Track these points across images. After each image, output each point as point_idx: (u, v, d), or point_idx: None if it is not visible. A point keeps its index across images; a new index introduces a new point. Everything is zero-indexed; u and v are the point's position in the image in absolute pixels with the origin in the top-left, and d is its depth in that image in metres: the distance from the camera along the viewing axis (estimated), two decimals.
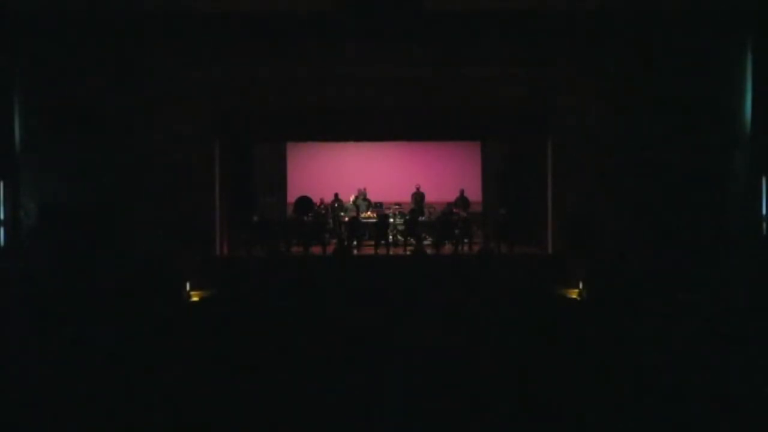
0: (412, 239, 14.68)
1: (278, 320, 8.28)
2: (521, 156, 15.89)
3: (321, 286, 11.09)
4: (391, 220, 15.29)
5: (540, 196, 14.37)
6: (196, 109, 13.34)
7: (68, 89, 12.97)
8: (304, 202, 15.35)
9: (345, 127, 15.04)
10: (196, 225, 13.22)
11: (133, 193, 13.13)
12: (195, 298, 11.57)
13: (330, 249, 14.12)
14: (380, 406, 5.67)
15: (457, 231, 14.92)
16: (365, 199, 16.12)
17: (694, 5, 12.55)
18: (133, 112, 13.20)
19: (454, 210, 15.47)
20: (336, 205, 15.89)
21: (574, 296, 11.56)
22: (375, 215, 15.42)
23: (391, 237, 15.00)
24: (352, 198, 16.11)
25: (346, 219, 15.48)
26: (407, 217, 15.11)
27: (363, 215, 15.64)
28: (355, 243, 14.81)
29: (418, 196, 16.20)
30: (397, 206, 15.78)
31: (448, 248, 14.79)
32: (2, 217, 12.47)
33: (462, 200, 15.85)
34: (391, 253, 14.54)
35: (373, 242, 14.72)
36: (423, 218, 15.43)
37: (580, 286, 11.67)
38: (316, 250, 14.39)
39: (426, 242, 14.94)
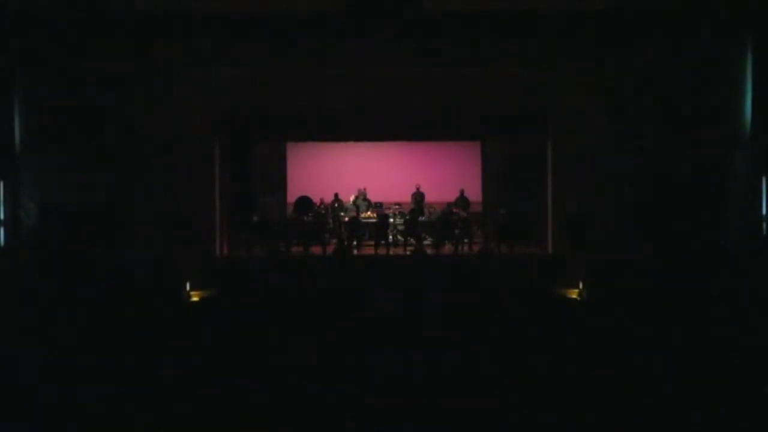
0: (412, 239, 14.68)
1: (278, 320, 8.28)
2: (521, 156, 15.88)
3: (321, 286, 11.09)
4: (391, 220, 15.29)
5: (540, 196, 14.37)
6: (196, 109, 13.33)
7: (68, 89, 12.95)
8: (304, 202, 15.35)
9: (345, 127, 15.05)
10: (196, 225, 13.21)
11: (133, 193, 13.12)
12: (195, 298, 11.58)
13: (330, 249, 14.12)
14: (380, 406, 5.67)
15: (457, 231, 14.92)
16: (365, 199, 16.12)
17: (694, 5, 12.54)
18: (133, 112, 13.19)
19: (454, 210, 15.46)
20: (336, 205, 15.89)
21: (574, 296, 11.56)
22: (375, 215, 15.41)
23: (391, 237, 14.99)
24: (352, 198, 16.11)
25: (346, 219, 15.47)
26: (407, 217, 15.11)
27: (363, 215, 15.64)
28: (355, 243, 14.81)
29: (418, 196, 16.20)
30: (397, 206, 15.77)
31: (448, 248, 14.78)
32: (2, 217, 12.45)
33: (462, 200, 15.85)
34: (391, 253, 14.53)
35: (373, 242, 14.71)
36: (423, 218, 15.43)
37: (580, 286, 11.67)
38: (316, 250, 14.39)
39: (426, 242, 14.94)
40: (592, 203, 13.19)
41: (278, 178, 17.02)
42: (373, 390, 5.95)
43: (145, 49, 13.04)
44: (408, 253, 14.26)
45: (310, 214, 15.22)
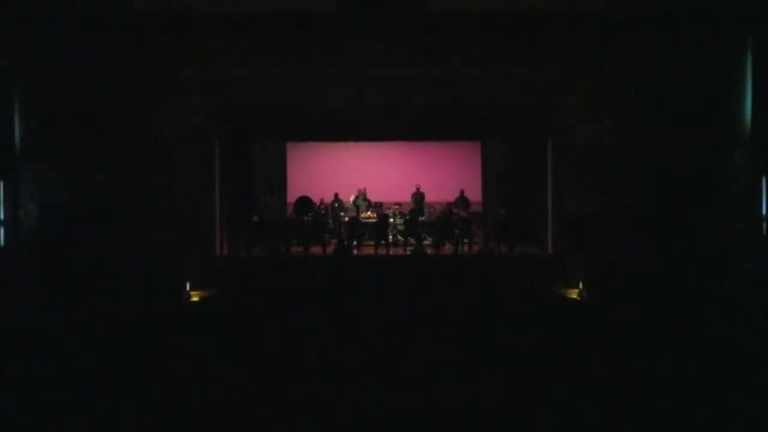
0: (412, 239, 14.68)
1: (278, 320, 8.28)
2: (521, 156, 15.88)
3: (321, 286, 11.09)
4: (391, 220, 15.29)
5: (540, 196, 14.37)
6: (196, 109, 13.33)
7: (68, 89, 12.97)
8: (304, 202, 15.35)
9: (345, 127, 15.05)
10: (196, 225, 13.21)
11: (133, 193, 13.12)
12: (195, 298, 11.57)
13: (330, 249, 14.12)
14: (380, 406, 5.67)
15: (457, 231, 14.91)
16: (365, 199, 16.12)
17: (694, 5, 12.54)
18: (133, 111, 13.20)
19: (454, 210, 15.46)
20: (336, 205, 15.89)
21: (574, 296, 11.56)
22: (375, 215, 15.41)
23: (391, 237, 14.99)
24: (352, 198, 16.11)
25: (346, 219, 15.47)
26: (407, 217, 15.11)
27: (363, 215, 15.64)
28: (355, 243, 14.81)
29: (418, 196, 16.20)
30: (397, 206, 15.77)
31: (448, 248, 14.78)
32: (2, 217, 12.47)
33: (462, 200, 15.85)
34: (391, 253, 14.53)
35: (373, 242, 14.71)
36: (423, 218, 15.43)
37: (580, 286, 11.67)
38: (316, 250, 14.39)
39: (426, 242, 14.94)
40: (592, 203, 13.19)
41: (278, 178, 17.02)
42: (373, 390, 5.95)
43: (145, 49, 13.04)
44: (408, 253, 14.26)
45: (310, 214, 15.22)
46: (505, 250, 14.04)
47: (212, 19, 12.86)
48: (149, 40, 13.00)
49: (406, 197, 16.21)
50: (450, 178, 16.64)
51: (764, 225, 12.15)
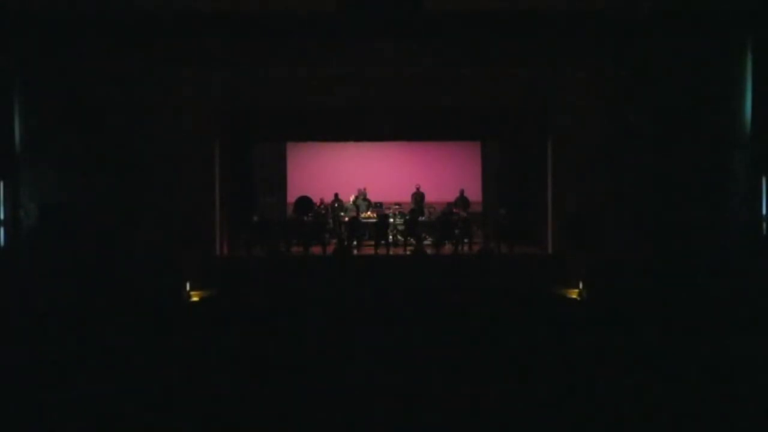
0: (412, 239, 14.68)
1: (278, 320, 8.28)
2: (521, 156, 15.88)
3: (321, 286, 11.09)
4: (391, 220, 15.29)
5: (540, 196, 14.37)
6: (196, 109, 13.33)
7: (68, 89, 12.96)
8: (304, 202, 15.35)
9: (345, 127, 15.05)
10: (196, 225, 13.21)
11: (133, 193, 13.12)
12: (195, 298, 11.57)
13: (330, 249, 14.12)
14: (380, 406, 5.67)
15: (457, 231, 14.91)
16: (365, 199, 16.12)
17: (694, 5, 12.54)
18: (132, 112, 13.19)
19: (454, 210, 15.46)
20: (336, 205, 15.89)
21: (574, 296, 11.56)
22: (375, 215, 15.41)
23: (391, 237, 14.99)
24: (352, 198, 16.11)
25: (346, 219, 15.47)
26: (407, 217, 15.11)
27: (363, 215, 15.64)
28: (355, 243, 14.81)
29: (418, 196, 16.20)
30: (397, 206, 15.77)
31: (448, 248, 14.78)
32: (2, 217, 12.46)
33: (462, 200, 15.85)
34: (391, 253, 14.53)
35: (373, 242, 14.71)
36: (423, 218, 15.43)
37: (580, 286, 11.67)
38: (316, 250, 14.38)
39: (426, 242, 14.94)
40: (592, 203, 13.19)
41: (278, 178, 17.01)
42: (373, 390, 5.95)
43: (145, 49, 13.04)
44: (408, 253, 14.26)
45: (310, 214, 15.22)
46: (505, 250, 14.04)
47: (212, 19, 12.85)
48: (149, 40, 12.99)
49: (406, 197, 16.21)
50: (450, 178, 16.64)
51: (764, 225, 12.15)
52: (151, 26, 12.85)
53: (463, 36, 13.14)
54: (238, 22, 12.91)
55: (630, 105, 13.14)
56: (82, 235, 12.36)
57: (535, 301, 10.06)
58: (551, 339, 7.48)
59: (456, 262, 13.85)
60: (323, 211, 15.56)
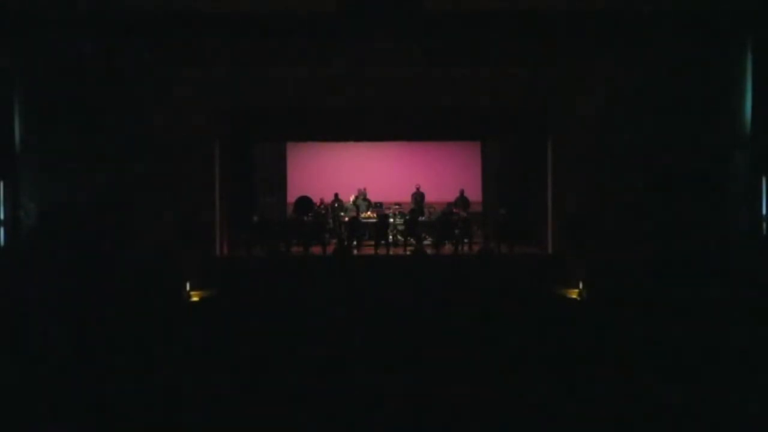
0: (412, 239, 14.68)
1: (278, 320, 8.28)
2: (521, 156, 15.88)
3: (321, 286, 11.09)
4: (391, 220, 15.29)
5: (540, 196, 14.37)
6: (196, 109, 13.33)
7: (68, 89, 12.95)
8: (304, 202, 15.35)
9: (345, 127, 15.05)
10: (196, 225, 13.21)
11: (133, 193, 13.12)
12: (195, 298, 11.57)
13: (330, 249, 14.12)
14: (381, 407, 5.67)
15: (457, 231, 14.92)
16: (365, 199, 16.12)
17: (694, 5, 12.53)
18: (132, 112, 13.19)
19: (454, 210, 15.46)
20: (336, 205, 15.89)
21: (574, 296, 11.56)
22: (375, 215, 15.42)
23: (391, 237, 14.99)
24: (352, 198, 16.11)
25: (346, 219, 15.47)
26: (407, 217, 15.11)
27: (363, 215, 15.64)
28: (355, 243, 14.81)
29: (418, 196, 16.20)
30: (397, 206, 15.77)
31: (448, 248, 14.78)
32: (2, 217, 12.45)
33: (462, 200, 15.85)
34: (391, 253, 14.53)
35: (373, 242, 14.72)
36: (423, 218, 15.43)
37: (580, 286, 11.67)
38: (316, 250, 14.38)
39: (426, 242, 14.94)
40: (592, 203, 13.19)
41: (278, 178, 17.02)
42: (373, 390, 5.95)
43: (145, 49, 13.03)
44: (408, 253, 14.26)
45: (310, 214, 15.22)
46: (505, 250, 14.04)
47: (212, 19, 12.84)
48: (149, 40, 12.99)
49: (406, 197, 16.21)
50: (450, 178, 16.65)
51: (764, 225, 12.14)
52: (151, 26, 12.85)
53: (463, 36, 13.13)
54: (238, 22, 12.91)
55: (630, 105, 13.14)
56: (82, 235, 12.36)
57: (535, 301, 10.06)
58: (551, 339, 7.48)
59: (456, 262, 13.85)
60: (323, 211, 15.56)
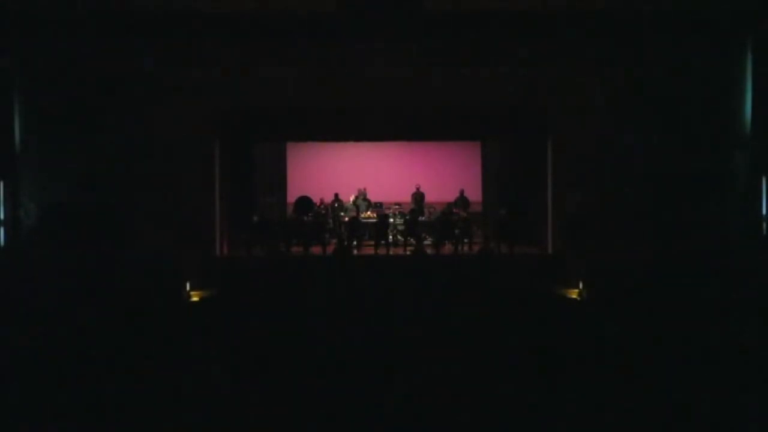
0: (412, 239, 14.68)
1: (278, 320, 8.27)
2: (521, 156, 15.88)
3: (321, 286, 11.09)
4: (391, 220, 15.29)
5: (540, 196, 14.37)
6: (196, 109, 13.32)
7: (68, 89, 12.96)
8: (304, 202, 15.35)
9: (345, 127, 15.04)
10: (196, 225, 13.21)
11: (133, 193, 13.12)
12: (195, 298, 11.57)
13: (330, 249, 14.12)
14: (381, 407, 5.67)
15: (457, 231, 14.92)
16: (365, 199, 16.12)
17: (694, 5, 12.54)
18: (132, 112, 13.19)
19: (454, 210, 15.46)
20: (336, 205, 15.89)
21: (574, 296, 11.56)
22: (375, 215, 15.42)
23: (391, 237, 14.99)
24: (352, 198, 16.11)
25: (346, 219, 15.47)
26: (407, 217, 15.11)
27: (363, 215, 15.64)
28: (355, 243, 14.81)
29: (418, 196, 16.20)
30: (397, 206, 15.77)
31: (448, 248, 14.78)
32: (2, 217, 12.46)
33: (462, 200, 15.85)
34: (391, 253, 14.53)
35: (373, 242, 14.72)
36: (423, 218, 15.43)
37: (580, 286, 11.67)
38: (316, 250, 14.39)
39: (426, 242, 14.94)
40: (592, 203, 13.19)
41: (278, 178, 17.02)
42: (373, 390, 5.95)
43: (145, 49, 13.04)
44: (408, 253, 14.26)
45: (310, 214, 15.22)
46: (505, 250, 14.04)
47: (212, 19, 12.85)
48: (149, 40, 12.99)
49: (406, 197, 16.21)
50: (450, 178, 16.64)
51: (764, 225, 12.15)
52: (150, 26, 12.86)
53: (463, 36, 13.14)
54: (238, 22, 12.92)
55: (629, 105, 13.15)
56: (82, 235, 12.36)
57: (535, 301, 10.05)
58: (551, 339, 7.48)
59: (456, 262, 13.85)
60: (323, 211, 15.56)
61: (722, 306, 8.82)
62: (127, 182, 13.11)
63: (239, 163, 15.34)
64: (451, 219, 15.04)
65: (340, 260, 12.67)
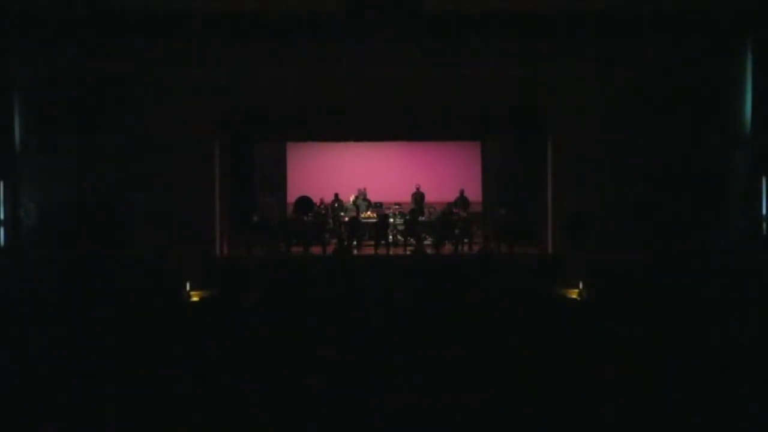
0: (412, 239, 14.68)
1: (278, 320, 8.28)
2: (521, 156, 15.88)
3: (321, 286, 11.09)
4: (391, 220, 15.29)
5: (540, 196, 14.37)
6: (196, 109, 13.33)
7: (68, 89, 12.96)
8: (304, 202, 15.35)
9: (345, 127, 15.04)
10: (196, 225, 13.21)
11: (133, 193, 13.12)
12: (195, 298, 11.57)
13: (330, 249, 14.12)
14: (381, 406, 5.67)
15: (457, 231, 14.91)
16: (365, 199, 16.12)
17: (694, 5, 12.55)
18: (132, 112, 13.20)
19: (454, 210, 15.46)
20: (336, 205, 15.89)
21: (574, 296, 11.56)
22: (375, 215, 15.41)
23: (391, 237, 14.99)
24: (352, 198, 16.11)
25: (346, 219, 15.47)
26: (407, 217, 15.11)
27: (363, 215, 15.64)
28: (355, 243, 14.81)
29: (418, 196, 16.20)
30: (397, 206, 15.77)
31: (448, 248, 14.78)
32: (2, 217, 12.46)
33: (462, 200, 15.85)
34: (391, 253, 14.53)
35: (373, 242, 14.71)
36: (423, 218, 15.43)
37: (580, 286, 11.67)
38: (316, 250, 14.38)
39: (426, 242, 14.94)
40: (592, 203, 13.19)
41: (278, 178, 17.02)
42: (373, 390, 5.95)
43: (145, 49, 13.04)
44: (408, 253, 14.26)
45: (310, 214, 15.21)
46: (505, 250, 14.04)
47: (212, 19, 12.85)
48: (149, 40, 12.99)
49: (406, 197, 16.21)
50: (450, 178, 16.64)
51: (764, 225, 12.15)
52: (151, 26, 12.86)
53: (463, 36, 13.14)
54: (238, 22, 12.92)
55: (629, 105, 13.15)
56: (82, 235, 12.36)
57: (535, 301, 10.05)
58: (551, 339, 7.48)
59: (456, 262, 13.85)
60: (323, 211, 15.56)
61: (722, 306, 8.82)
62: (127, 182, 13.11)
63: (239, 163, 15.34)
64: (451, 219, 15.04)
65: (340, 260, 12.67)
